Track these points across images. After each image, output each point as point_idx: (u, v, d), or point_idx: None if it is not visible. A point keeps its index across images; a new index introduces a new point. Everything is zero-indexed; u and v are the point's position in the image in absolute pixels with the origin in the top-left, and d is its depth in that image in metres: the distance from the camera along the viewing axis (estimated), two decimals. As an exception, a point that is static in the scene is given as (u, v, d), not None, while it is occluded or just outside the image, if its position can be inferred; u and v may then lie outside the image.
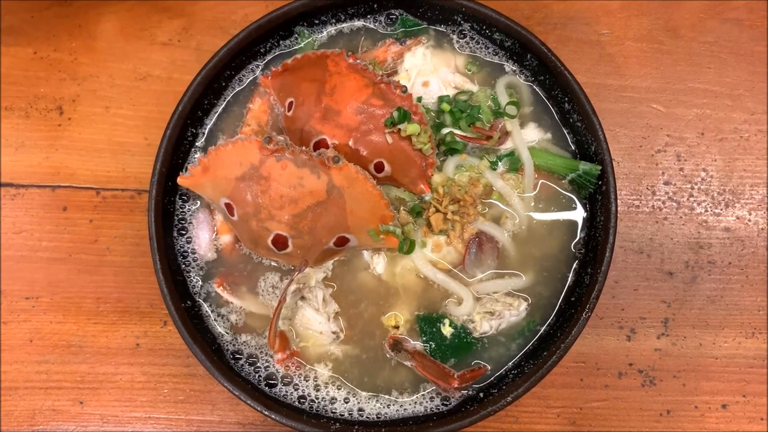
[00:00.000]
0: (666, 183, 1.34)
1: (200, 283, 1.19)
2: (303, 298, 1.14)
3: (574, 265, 1.18)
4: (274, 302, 1.15)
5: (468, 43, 1.27)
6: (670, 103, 1.38)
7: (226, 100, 1.26)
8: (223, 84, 1.25)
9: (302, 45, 1.28)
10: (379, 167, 1.16)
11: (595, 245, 1.14)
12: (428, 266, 1.14)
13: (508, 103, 1.21)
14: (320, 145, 1.13)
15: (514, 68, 1.26)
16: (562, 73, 1.18)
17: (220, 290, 1.17)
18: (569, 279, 1.17)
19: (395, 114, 1.11)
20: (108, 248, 1.33)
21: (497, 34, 1.24)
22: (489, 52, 1.27)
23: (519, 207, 1.18)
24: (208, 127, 1.24)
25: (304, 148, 1.08)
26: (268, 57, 1.28)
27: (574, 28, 1.40)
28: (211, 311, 1.17)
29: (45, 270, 1.32)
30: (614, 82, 1.37)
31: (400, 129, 1.11)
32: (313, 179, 1.07)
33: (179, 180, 1.16)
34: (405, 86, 1.14)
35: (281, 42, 1.28)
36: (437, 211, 1.15)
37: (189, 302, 1.15)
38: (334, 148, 1.11)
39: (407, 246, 1.13)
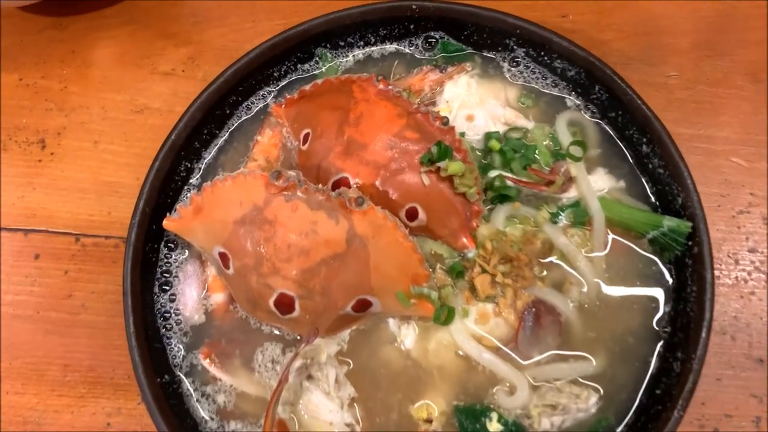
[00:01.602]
0: (751, 250, 1.21)
1: (183, 352, 1.09)
2: (310, 377, 1.03)
3: (658, 348, 1.05)
4: (273, 381, 1.05)
5: (522, 72, 1.20)
6: (752, 157, 1.27)
7: (230, 131, 1.19)
8: (228, 111, 1.18)
9: (324, 69, 1.21)
10: (413, 214, 1.06)
11: (685, 323, 1.02)
12: (471, 342, 1.04)
13: (572, 143, 1.12)
14: (340, 184, 1.05)
15: (577, 102, 1.18)
16: (639, 109, 1.08)
17: (206, 363, 1.07)
18: (652, 365, 1.04)
19: (434, 150, 1.02)
20: (83, 305, 1.22)
21: (558, 61, 1.16)
22: (547, 83, 1.19)
23: (587, 270, 1.07)
24: (206, 161, 1.17)
25: (320, 186, 1.00)
26: (283, 82, 1.21)
27: (636, 68, 1.31)
28: (194, 389, 1.07)
29: (6, 329, 1.22)
30: (685, 131, 1.27)
31: (439, 168, 1.03)
32: (329, 225, 0.97)
33: (165, 223, 1.08)
34: (446, 117, 1.07)
35: (299, 66, 1.22)
36: (484, 271, 1.05)
37: (167, 377, 1.05)
38: (358, 189, 1.03)
39: (445, 315, 1.03)
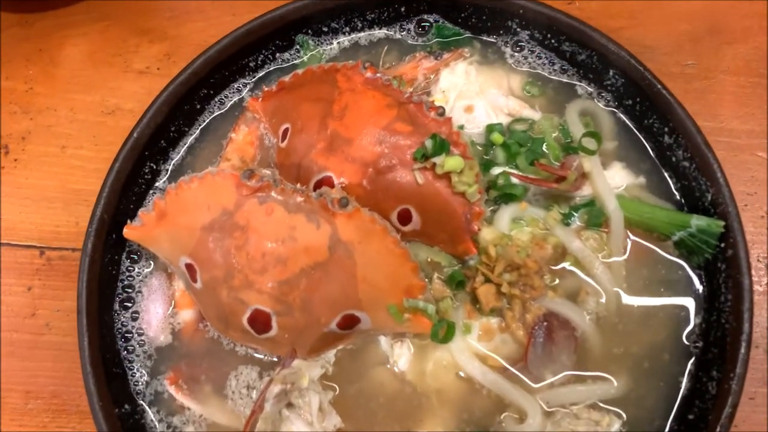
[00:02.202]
0: (784, 254, 1.18)
1: (146, 378, 1.04)
2: (290, 405, 0.98)
3: (689, 366, 1.02)
4: (248, 410, 1.00)
5: (527, 58, 1.16)
6: (781, 151, 1.24)
7: (201, 128, 1.15)
8: (198, 106, 1.14)
9: (305, 59, 1.18)
10: (405, 217, 1.02)
11: (720, 336, 0.98)
12: (474, 362, 1.01)
13: (584, 135, 1.07)
14: (323, 184, 1.01)
15: (589, 90, 1.14)
16: (659, 94, 1.04)
17: (173, 390, 1.03)
18: (683, 386, 1.01)
19: (428, 143, 0.99)
20: (48, 325, 1.18)
21: (567, 44, 1.12)
22: (555, 69, 1.16)
23: (605, 278, 1.03)
24: (174, 162, 1.13)
25: (299, 186, 0.97)
26: (260, 73, 1.17)
27: (650, 57, 1.25)
28: (159, 420, 1.03)
29: (-38, 352, 1.17)
30: (705, 124, 1.19)
31: (435, 164, 0.99)
32: (309, 230, 0.93)
33: (126, 231, 1.04)
34: (443, 107, 1.03)
35: (278, 55, 1.17)
36: (487, 281, 1.02)
37: (128, 406, 1.01)
38: (343, 189, 0.99)
39: (444, 331, 0.99)
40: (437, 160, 0.98)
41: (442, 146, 0.98)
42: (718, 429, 0.91)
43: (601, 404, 1.00)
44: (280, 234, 0.93)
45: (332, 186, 0.99)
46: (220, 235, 0.94)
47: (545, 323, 1.01)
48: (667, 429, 0.99)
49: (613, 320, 1.03)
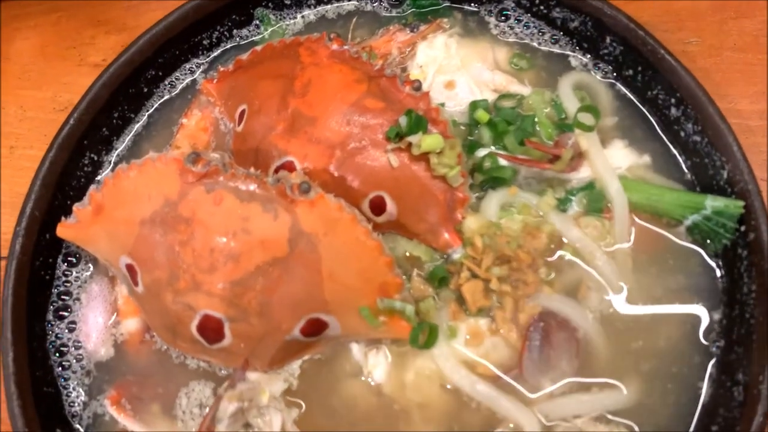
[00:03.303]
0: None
1: (84, 398, 0.97)
2: (248, 426, 0.92)
3: (710, 368, 0.96)
4: None
5: (513, 28, 1.12)
6: (795, 133, 1.20)
7: (148, 114, 1.10)
8: (145, 89, 1.09)
9: (266, 35, 1.13)
10: (379, 206, 0.97)
11: (744, 334, 0.92)
12: (461, 371, 0.95)
13: (580, 109, 1.02)
14: (284, 170, 0.96)
15: (584, 60, 1.09)
16: (664, 61, 0.99)
17: (114, 411, 0.96)
18: (703, 392, 0.95)
19: (403, 121, 0.93)
20: None
21: (557, 9, 1.07)
22: (545, 39, 1.11)
23: (608, 270, 0.98)
24: (119, 152, 1.08)
25: (252, 170, 0.89)
26: (215, 52, 1.12)
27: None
28: None
29: None
30: None
31: (411, 144, 0.93)
32: (266, 221, 0.86)
33: (59, 230, 0.97)
34: (419, 81, 0.98)
35: (235, 31, 1.12)
36: (474, 276, 0.97)
37: (59, 431, 0.94)
38: (306, 175, 0.93)
39: (425, 335, 0.95)
40: (413, 139, 0.92)
41: (419, 123, 0.92)
42: (749, 439, 0.82)
43: (610, 416, 0.94)
44: (231, 226, 0.86)
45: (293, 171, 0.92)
46: (162, 229, 0.87)
47: (542, 324, 0.96)
48: (686, 443, 0.90)
49: (620, 318, 0.98)
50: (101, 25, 1.31)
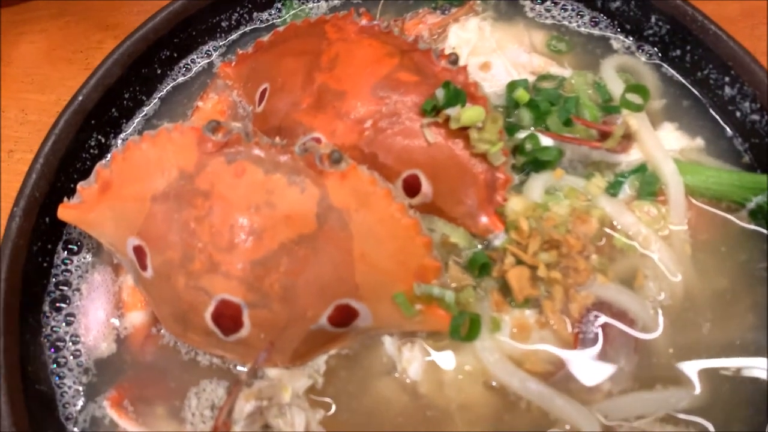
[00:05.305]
0: None
1: (82, 399, 0.90)
2: (267, 427, 0.84)
3: None
4: None
5: (550, 10, 1.09)
6: None
7: (161, 96, 1.06)
8: (159, 71, 1.05)
9: (287, 18, 1.10)
10: (413, 186, 0.90)
11: None
12: (508, 367, 0.88)
13: (627, 89, 0.97)
14: None
15: (627, 42, 1.06)
16: (716, 37, 0.95)
17: (115, 414, 0.89)
18: None
19: (440, 93, 0.88)
20: None
21: None
22: (585, 21, 1.09)
23: (666, 257, 0.92)
24: (127, 134, 1.04)
25: (278, 139, 0.83)
26: (234, 35, 1.09)
27: None
28: None
29: None
30: None
31: (449, 117, 0.88)
32: (292, 194, 0.80)
33: (61, 211, 0.91)
34: (455, 54, 0.92)
35: (255, 14, 1.09)
36: (519, 262, 0.90)
37: None
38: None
39: (466, 327, 0.88)
40: (452, 111, 0.86)
41: (457, 96, 0.86)
42: (844, 441, 0.74)
43: (678, 415, 0.86)
44: (254, 200, 0.79)
45: (321, 145, 0.86)
46: (176, 204, 0.80)
47: (596, 315, 0.89)
48: (769, 445, 0.81)
49: (682, 308, 0.91)
50: (109, 29, 1.32)
